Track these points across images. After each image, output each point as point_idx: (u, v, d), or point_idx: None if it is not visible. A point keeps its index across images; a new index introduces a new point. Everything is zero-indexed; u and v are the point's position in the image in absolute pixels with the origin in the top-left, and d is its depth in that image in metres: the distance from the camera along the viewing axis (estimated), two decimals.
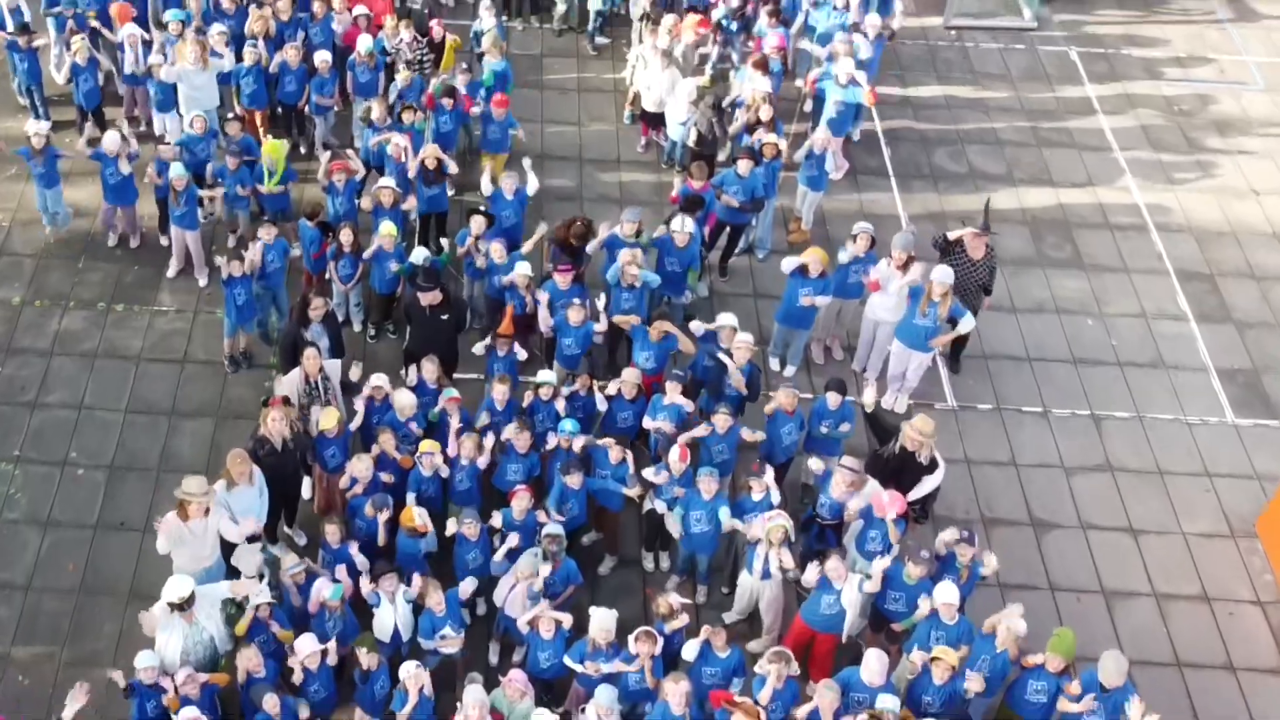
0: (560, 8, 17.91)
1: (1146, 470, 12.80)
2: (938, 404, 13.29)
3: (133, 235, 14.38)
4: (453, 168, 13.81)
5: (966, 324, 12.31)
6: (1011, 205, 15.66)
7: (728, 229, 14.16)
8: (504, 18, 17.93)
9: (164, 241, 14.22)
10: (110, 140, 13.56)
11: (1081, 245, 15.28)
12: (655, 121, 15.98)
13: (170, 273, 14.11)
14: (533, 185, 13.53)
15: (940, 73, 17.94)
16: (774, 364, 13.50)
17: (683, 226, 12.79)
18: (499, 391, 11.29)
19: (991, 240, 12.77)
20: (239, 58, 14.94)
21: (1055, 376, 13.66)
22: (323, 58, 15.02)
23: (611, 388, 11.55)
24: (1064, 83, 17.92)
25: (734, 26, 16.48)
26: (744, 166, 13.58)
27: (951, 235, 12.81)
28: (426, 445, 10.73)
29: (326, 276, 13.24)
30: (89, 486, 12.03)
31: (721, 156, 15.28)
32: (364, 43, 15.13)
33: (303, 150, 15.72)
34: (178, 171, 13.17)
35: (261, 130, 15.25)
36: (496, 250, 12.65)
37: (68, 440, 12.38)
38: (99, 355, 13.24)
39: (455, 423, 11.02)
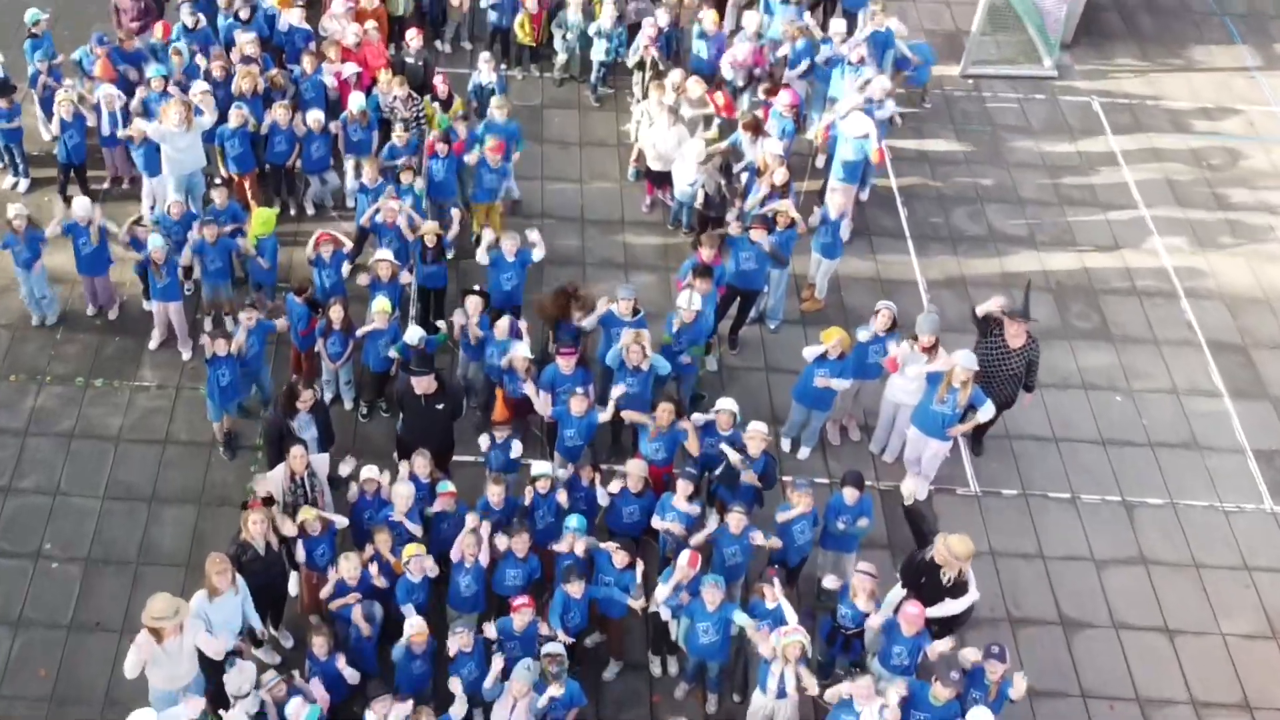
0: (561, 57, 17.45)
1: (1182, 563, 12.31)
2: (960, 489, 12.82)
3: (110, 306, 13.91)
4: (453, 230, 13.33)
5: (986, 412, 11.82)
6: (1034, 269, 15.20)
7: (738, 298, 13.69)
8: (503, 67, 17.52)
9: (146, 306, 13.75)
10: (80, 207, 13.09)
11: (1108, 313, 14.79)
12: (660, 180, 15.53)
13: (152, 345, 13.66)
14: (539, 252, 13.09)
15: (958, 124, 17.48)
16: (785, 445, 13.01)
17: (689, 303, 12.32)
18: (494, 493, 10.80)
19: (1033, 328, 12.26)
20: (223, 117, 14.48)
21: (1083, 459, 13.17)
22: (315, 116, 14.58)
23: (614, 485, 11.07)
24: (1086, 135, 17.45)
25: (740, 85, 16.07)
26: (757, 235, 13.13)
27: (980, 309, 12.33)
28: (412, 549, 10.23)
29: (315, 349, 12.78)
30: (63, 582, 11.56)
31: (730, 217, 14.84)
32: (356, 101, 14.71)
33: (292, 212, 15.30)
34: (156, 243, 12.71)
35: (249, 193, 14.82)
36: (500, 328, 12.21)
37: (41, 529, 11.92)
38: (76, 435, 12.78)
39: (471, 521, 10.50)
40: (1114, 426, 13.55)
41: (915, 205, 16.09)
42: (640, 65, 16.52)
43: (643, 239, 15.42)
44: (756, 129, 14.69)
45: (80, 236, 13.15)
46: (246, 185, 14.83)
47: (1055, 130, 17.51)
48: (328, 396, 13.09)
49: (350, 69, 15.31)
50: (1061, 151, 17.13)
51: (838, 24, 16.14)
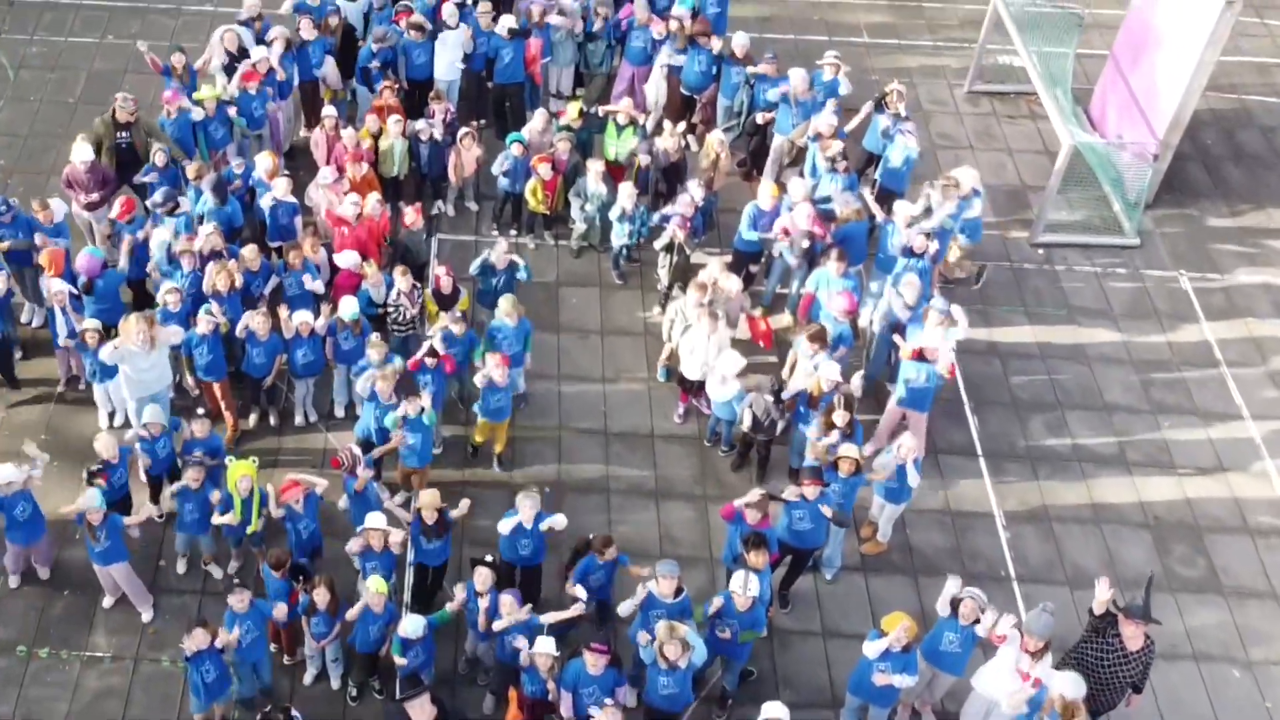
0: (580, 226, 16.08)
1: None
2: None
3: (42, 567, 12.52)
4: (461, 510, 11.89)
5: None
6: (1128, 500, 13.81)
7: (791, 555, 12.29)
8: (514, 233, 16.20)
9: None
10: (8, 475, 11.58)
11: (1216, 558, 13.36)
12: (695, 386, 14.13)
13: (106, 604, 12.35)
14: (559, 522, 11.72)
15: (1029, 306, 16.08)
16: None
17: (745, 587, 10.90)
18: None
19: (1152, 630, 10.85)
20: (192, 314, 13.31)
21: None
22: (301, 318, 13.25)
23: None
24: (1177, 321, 16.03)
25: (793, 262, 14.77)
26: (811, 493, 11.76)
27: (1097, 606, 10.92)
28: None
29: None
30: None
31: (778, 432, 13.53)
32: (347, 306, 13.38)
33: (273, 422, 13.95)
34: (93, 503, 11.33)
35: (222, 403, 13.45)
36: (507, 606, 10.82)
37: None
38: None
39: None
40: (1233, 711, 12.11)
41: (987, 414, 14.67)
42: (669, 247, 15.17)
43: (676, 459, 14.02)
44: (822, 341, 13.29)
45: (14, 506, 11.72)
46: (218, 392, 13.48)
47: (1141, 314, 16.09)
48: (311, 674, 11.82)
49: (349, 259, 13.92)
50: (1149, 342, 15.70)
51: (904, 206, 14.74)
